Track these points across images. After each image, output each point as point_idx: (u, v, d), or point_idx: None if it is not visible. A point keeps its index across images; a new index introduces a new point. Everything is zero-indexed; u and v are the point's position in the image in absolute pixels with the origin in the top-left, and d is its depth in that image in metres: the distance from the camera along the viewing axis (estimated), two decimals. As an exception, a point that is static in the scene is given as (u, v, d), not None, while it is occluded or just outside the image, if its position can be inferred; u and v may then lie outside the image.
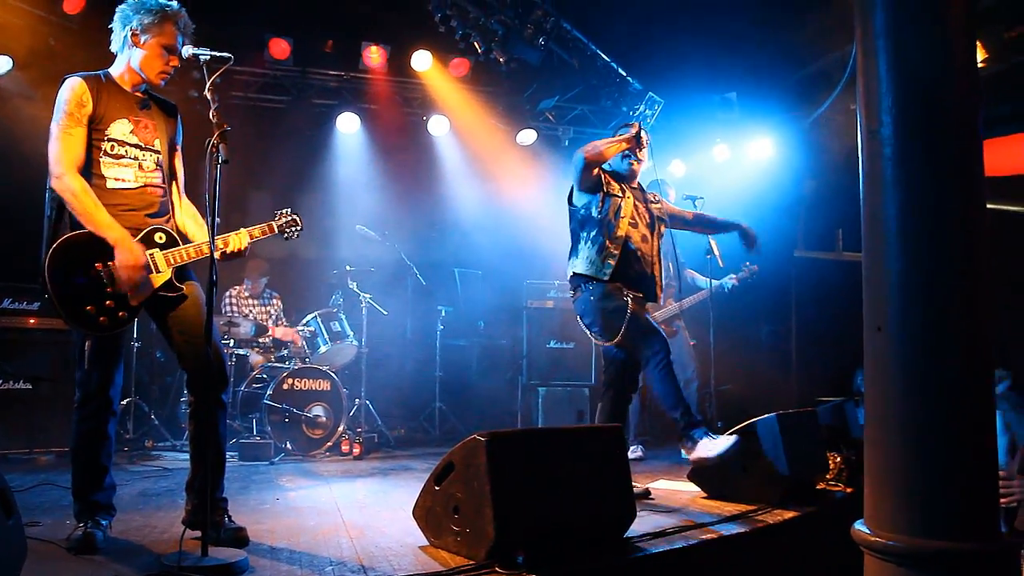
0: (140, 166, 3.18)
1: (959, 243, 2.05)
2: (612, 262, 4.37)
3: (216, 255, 3.23)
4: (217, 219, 2.92)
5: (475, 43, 6.57)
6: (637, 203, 4.56)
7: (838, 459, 4.56)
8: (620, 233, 4.40)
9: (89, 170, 3.07)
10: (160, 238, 3.16)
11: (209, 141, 2.84)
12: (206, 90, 2.95)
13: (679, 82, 7.72)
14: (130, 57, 3.17)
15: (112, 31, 3.22)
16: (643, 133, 4.56)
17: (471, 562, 2.77)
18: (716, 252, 5.98)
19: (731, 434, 3.98)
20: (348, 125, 7.97)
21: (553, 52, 7.04)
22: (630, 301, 4.31)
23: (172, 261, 3.15)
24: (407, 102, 8.25)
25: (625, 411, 4.59)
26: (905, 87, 2.12)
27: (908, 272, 2.07)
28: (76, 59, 6.22)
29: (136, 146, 3.18)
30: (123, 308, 3.03)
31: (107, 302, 2.99)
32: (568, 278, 4.57)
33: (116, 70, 3.21)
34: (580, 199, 4.52)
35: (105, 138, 3.10)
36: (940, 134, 2.09)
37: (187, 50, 3.11)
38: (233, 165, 2.89)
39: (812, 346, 8.24)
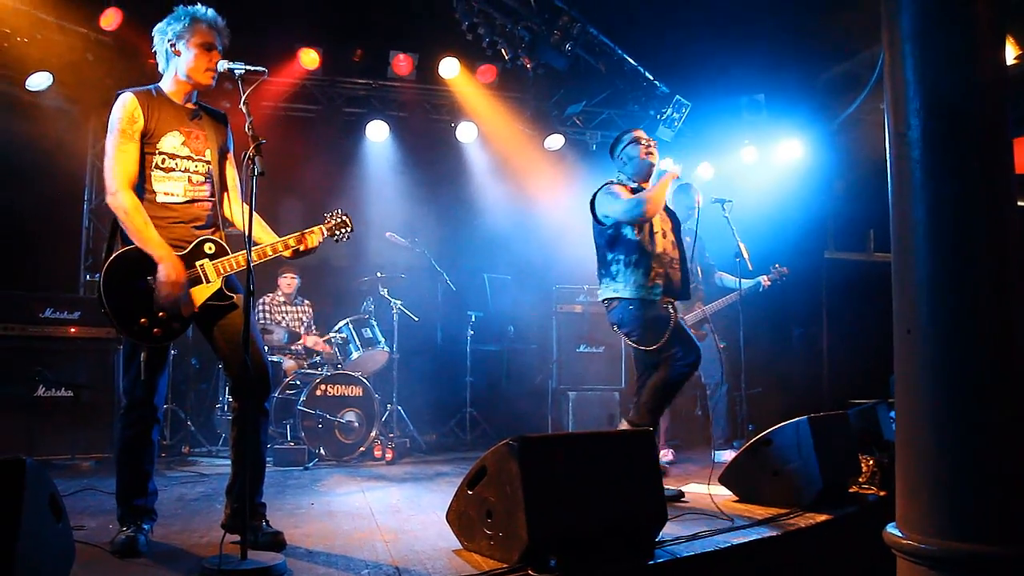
0: (190, 179, 3.25)
1: (988, 245, 2.05)
2: (660, 282, 4.46)
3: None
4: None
5: (502, 50, 6.60)
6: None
7: (870, 462, 4.53)
8: (659, 250, 4.50)
9: (142, 185, 3.15)
10: (210, 248, 3.23)
11: (245, 153, 2.90)
12: (241, 104, 3.01)
13: (706, 84, 7.70)
14: (176, 68, 3.24)
15: (156, 55, 3.30)
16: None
17: (504, 566, 2.80)
18: (745, 255, 5.95)
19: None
20: (377, 133, 8.03)
21: (580, 57, 7.04)
22: (672, 312, 4.48)
23: (222, 271, 3.21)
24: (435, 109, 8.31)
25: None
26: (933, 90, 2.12)
27: (937, 274, 2.07)
28: (113, 74, 6.37)
29: (187, 157, 3.25)
30: (176, 319, 3.11)
31: (160, 313, 3.07)
32: (603, 298, 4.59)
33: (166, 84, 3.28)
34: (610, 218, 4.52)
35: (157, 152, 3.17)
36: (968, 137, 2.09)
37: (222, 64, 3.17)
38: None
39: (844, 348, 8.17)
